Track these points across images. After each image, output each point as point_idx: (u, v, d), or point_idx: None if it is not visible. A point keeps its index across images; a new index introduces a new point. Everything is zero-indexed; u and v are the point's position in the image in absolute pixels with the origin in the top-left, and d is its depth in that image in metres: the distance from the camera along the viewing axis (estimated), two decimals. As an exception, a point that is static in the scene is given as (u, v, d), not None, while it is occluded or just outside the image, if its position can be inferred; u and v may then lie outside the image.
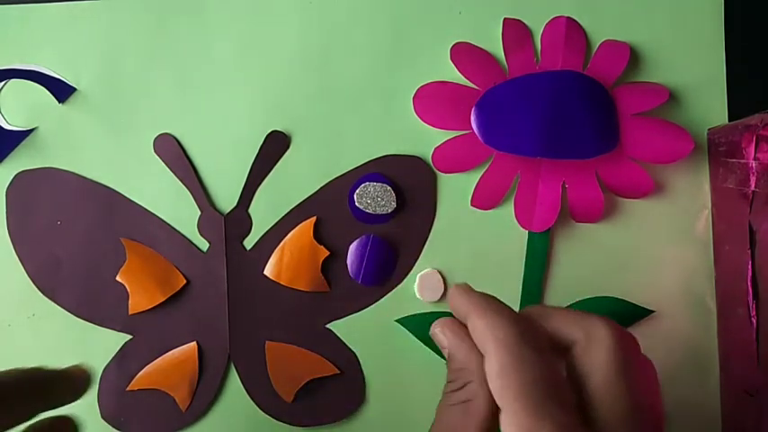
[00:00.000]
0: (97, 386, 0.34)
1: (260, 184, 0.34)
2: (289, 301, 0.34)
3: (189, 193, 0.34)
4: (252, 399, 0.34)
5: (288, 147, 0.34)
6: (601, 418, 0.21)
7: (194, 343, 0.34)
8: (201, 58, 0.35)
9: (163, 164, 0.34)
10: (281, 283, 0.34)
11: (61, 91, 0.34)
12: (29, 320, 0.34)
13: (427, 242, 0.34)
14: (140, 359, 0.34)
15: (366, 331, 0.34)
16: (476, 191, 0.33)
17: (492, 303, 0.23)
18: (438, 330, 0.25)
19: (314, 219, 0.34)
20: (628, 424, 0.21)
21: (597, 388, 0.21)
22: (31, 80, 0.34)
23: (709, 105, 0.34)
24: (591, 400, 0.21)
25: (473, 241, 0.34)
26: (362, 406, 0.34)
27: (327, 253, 0.33)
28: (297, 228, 0.34)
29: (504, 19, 0.34)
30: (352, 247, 0.34)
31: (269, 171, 0.34)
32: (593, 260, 0.34)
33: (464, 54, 0.34)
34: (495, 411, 0.22)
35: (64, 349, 0.34)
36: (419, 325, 0.33)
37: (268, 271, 0.34)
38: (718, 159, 0.33)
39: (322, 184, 0.34)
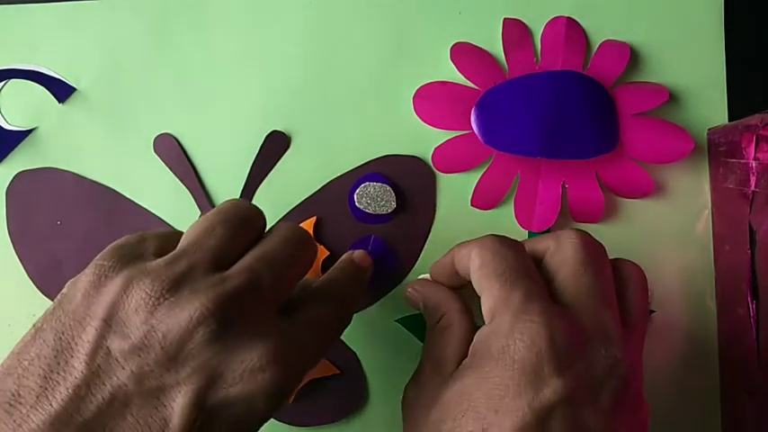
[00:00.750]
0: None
1: (260, 184, 0.34)
2: (289, 301, 0.34)
3: (189, 193, 0.34)
4: (252, 399, 0.34)
5: (288, 147, 0.34)
6: (567, 301, 0.24)
7: (194, 343, 0.34)
8: (201, 58, 0.35)
9: (163, 164, 0.34)
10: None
11: (61, 91, 0.34)
12: (29, 320, 0.34)
13: (427, 242, 0.34)
14: (140, 359, 0.34)
15: (366, 331, 0.34)
16: (476, 191, 0.33)
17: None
18: (410, 291, 0.30)
19: (314, 219, 0.34)
20: (590, 305, 0.23)
21: (564, 278, 0.24)
22: (31, 80, 0.34)
23: (710, 105, 0.34)
24: (559, 288, 0.24)
25: (473, 241, 0.34)
26: (363, 406, 0.34)
27: (327, 253, 0.33)
28: (297, 228, 0.34)
29: (504, 19, 0.34)
30: (352, 248, 0.34)
31: (269, 171, 0.34)
32: (593, 260, 0.34)
33: (464, 54, 0.34)
34: (468, 328, 0.26)
35: (64, 349, 0.34)
36: (419, 325, 0.33)
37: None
38: (718, 159, 0.33)
39: (322, 184, 0.34)
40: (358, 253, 0.31)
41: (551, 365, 0.21)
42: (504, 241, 0.26)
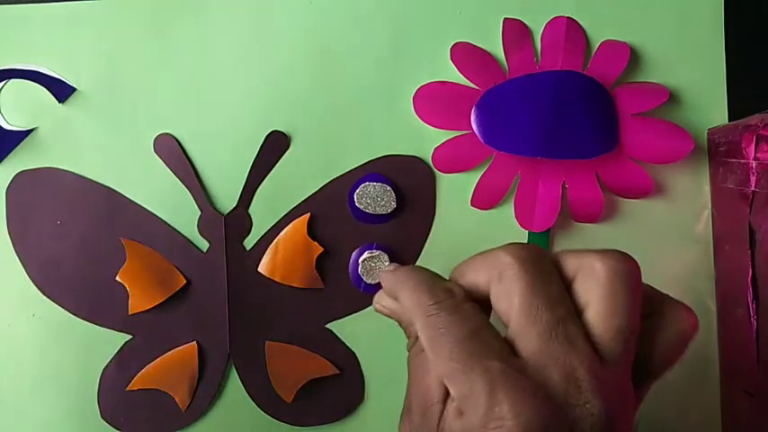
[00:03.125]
0: (97, 386, 0.34)
1: (260, 184, 0.34)
2: (288, 301, 0.34)
3: (189, 193, 0.34)
4: (252, 399, 0.34)
5: (288, 147, 0.34)
6: (596, 342, 0.22)
7: (194, 343, 0.34)
8: (201, 58, 0.35)
9: (163, 164, 0.34)
10: (275, 279, 0.33)
11: (61, 91, 0.34)
12: (29, 320, 0.34)
13: (427, 242, 0.34)
14: (140, 359, 0.34)
15: (366, 331, 0.34)
16: (476, 191, 0.33)
17: (410, 275, 0.25)
18: (378, 306, 0.27)
19: (308, 215, 0.34)
20: (616, 346, 0.22)
21: (591, 318, 0.23)
22: (31, 80, 0.34)
23: (709, 105, 0.34)
24: (588, 326, 0.23)
25: (473, 241, 0.34)
26: (362, 406, 0.34)
27: (321, 249, 0.33)
28: (290, 224, 0.34)
29: (504, 19, 0.34)
30: (354, 255, 0.34)
31: (269, 171, 0.34)
32: (593, 260, 0.34)
33: (464, 54, 0.34)
34: None
35: (64, 349, 0.34)
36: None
37: (262, 267, 0.34)
38: (718, 159, 0.33)
39: (322, 184, 0.34)
40: None
41: None
42: (437, 293, 0.24)
